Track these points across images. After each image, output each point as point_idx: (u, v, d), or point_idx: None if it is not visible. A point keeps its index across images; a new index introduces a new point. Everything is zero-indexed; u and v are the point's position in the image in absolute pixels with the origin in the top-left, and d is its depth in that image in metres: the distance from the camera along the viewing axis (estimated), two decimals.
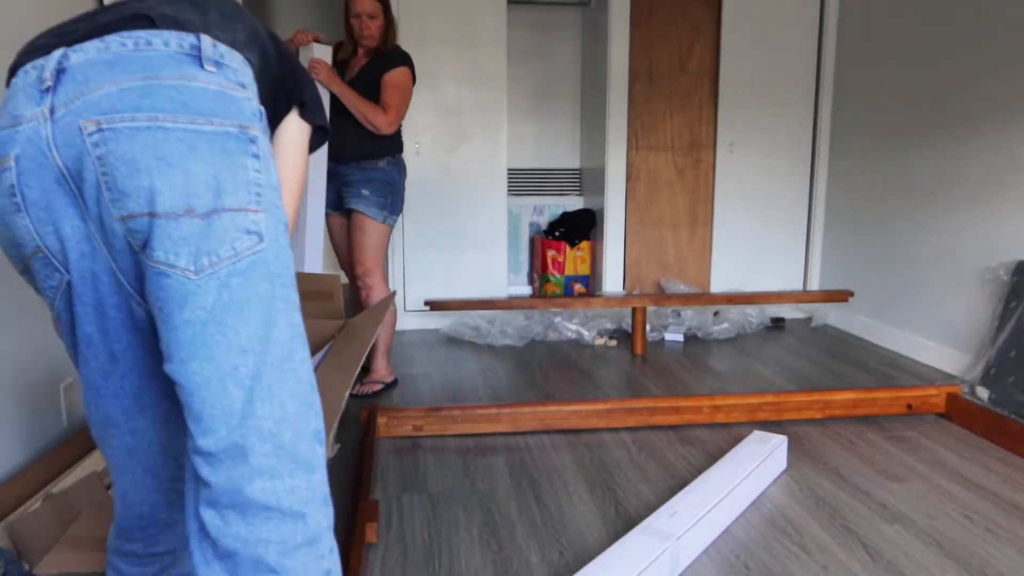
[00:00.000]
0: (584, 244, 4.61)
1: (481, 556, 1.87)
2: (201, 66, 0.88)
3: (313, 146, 1.18)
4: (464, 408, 2.65)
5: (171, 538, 1.11)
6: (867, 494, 2.20)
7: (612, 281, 4.41)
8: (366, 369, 3.19)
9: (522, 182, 4.84)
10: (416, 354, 3.71)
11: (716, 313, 4.13)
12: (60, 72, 0.85)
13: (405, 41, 3.95)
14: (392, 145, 3.04)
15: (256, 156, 0.90)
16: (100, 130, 0.83)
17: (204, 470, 0.89)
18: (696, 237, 4.46)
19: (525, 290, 4.94)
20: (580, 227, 4.63)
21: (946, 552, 1.89)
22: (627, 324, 4.06)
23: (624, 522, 2.03)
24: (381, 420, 2.59)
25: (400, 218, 4.05)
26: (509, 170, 4.40)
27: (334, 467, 2.39)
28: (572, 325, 3.96)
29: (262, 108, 0.95)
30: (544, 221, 4.91)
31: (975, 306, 3.23)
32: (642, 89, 4.30)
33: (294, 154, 1.11)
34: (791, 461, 2.42)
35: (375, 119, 2.91)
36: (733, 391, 3.13)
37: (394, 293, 2.72)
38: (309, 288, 2.81)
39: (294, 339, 0.92)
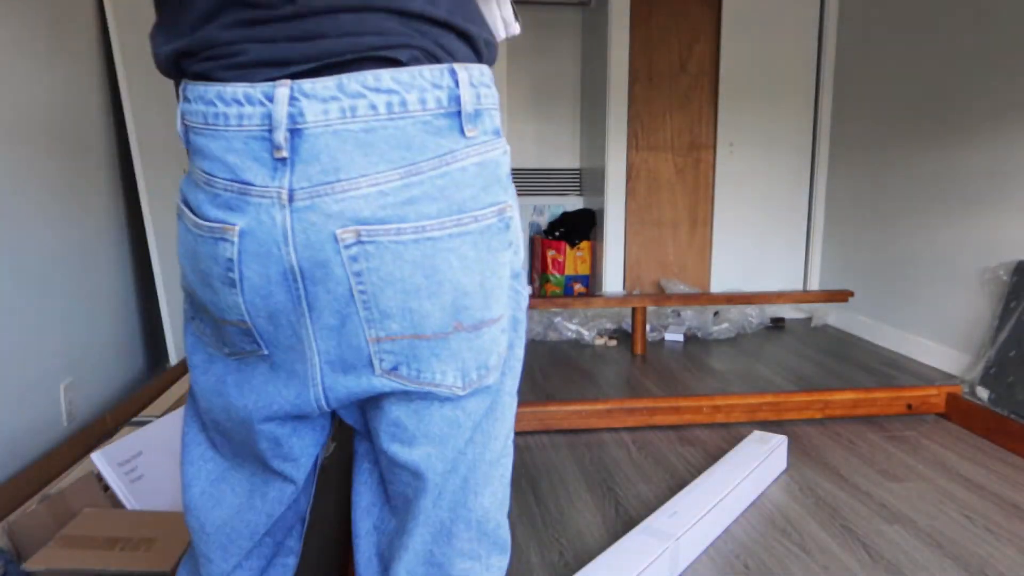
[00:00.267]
0: (584, 244, 4.61)
1: None
2: (462, 132, 0.73)
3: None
4: None
5: None
6: (867, 494, 2.20)
7: (612, 281, 4.41)
8: None
9: (522, 182, 4.84)
10: None
11: (716, 313, 4.13)
12: (295, 135, 0.69)
13: None
14: None
15: (510, 244, 0.79)
16: (360, 242, 0.70)
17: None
18: (696, 237, 4.46)
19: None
20: (580, 227, 4.63)
21: (946, 552, 1.89)
22: (627, 324, 4.06)
23: (624, 522, 2.03)
24: None
25: None
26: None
27: (334, 467, 2.39)
28: (572, 325, 3.96)
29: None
30: (544, 221, 4.91)
31: (975, 306, 3.23)
32: (642, 89, 4.30)
33: None
34: (791, 461, 2.42)
35: None
36: (733, 391, 3.13)
37: None
38: None
39: (509, 433, 0.88)
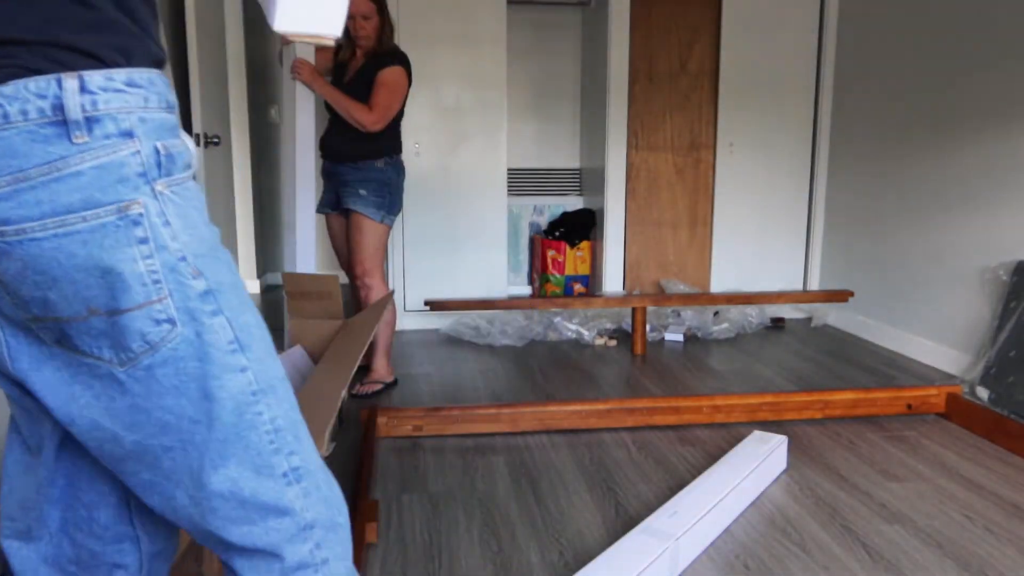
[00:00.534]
0: (584, 244, 4.61)
1: (481, 556, 1.87)
2: (70, 138, 0.77)
3: None
4: (464, 408, 2.65)
5: None
6: (867, 494, 2.20)
7: (612, 281, 4.41)
8: (367, 369, 3.19)
9: (522, 182, 4.84)
10: (416, 354, 3.71)
11: (716, 313, 4.13)
12: None
13: (405, 41, 3.96)
14: (389, 145, 3.03)
15: (143, 240, 0.82)
16: None
17: (190, 528, 0.94)
18: (696, 237, 4.46)
19: (525, 290, 4.94)
20: (580, 227, 4.63)
21: (946, 552, 1.89)
22: (627, 324, 4.06)
23: (624, 522, 2.03)
24: (381, 420, 2.59)
25: (400, 218, 4.05)
26: (509, 170, 4.40)
27: (334, 466, 2.39)
28: (572, 325, 3.96)
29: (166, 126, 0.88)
30: (544, 221, 4.91)
31: (975, 306, 3.23)
32: (642, 89, 4.30)
33: None
34: (791, 461, 2.42)
35: (360, 116, 2.90)
36: (733, 391, 3.13)
37: (392, 292, 2.72)
38: (309, 288, 2.82)
39: (242, 403, 0.92)
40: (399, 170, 3.09)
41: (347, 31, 3.00)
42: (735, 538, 1.95)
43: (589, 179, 4.71)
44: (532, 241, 4.90)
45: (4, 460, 1.03)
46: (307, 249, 3.19)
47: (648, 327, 3.91)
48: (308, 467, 0.98)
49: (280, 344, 3.84)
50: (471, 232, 4.17)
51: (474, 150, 4.13)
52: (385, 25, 3.01)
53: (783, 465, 2.36)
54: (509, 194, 4.48)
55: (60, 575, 1.05)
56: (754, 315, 4.14)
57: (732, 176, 4.39)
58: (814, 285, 4.47)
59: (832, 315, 4.26)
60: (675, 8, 4.25)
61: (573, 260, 4.61)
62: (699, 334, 4.02)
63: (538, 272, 4.78)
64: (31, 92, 0.76)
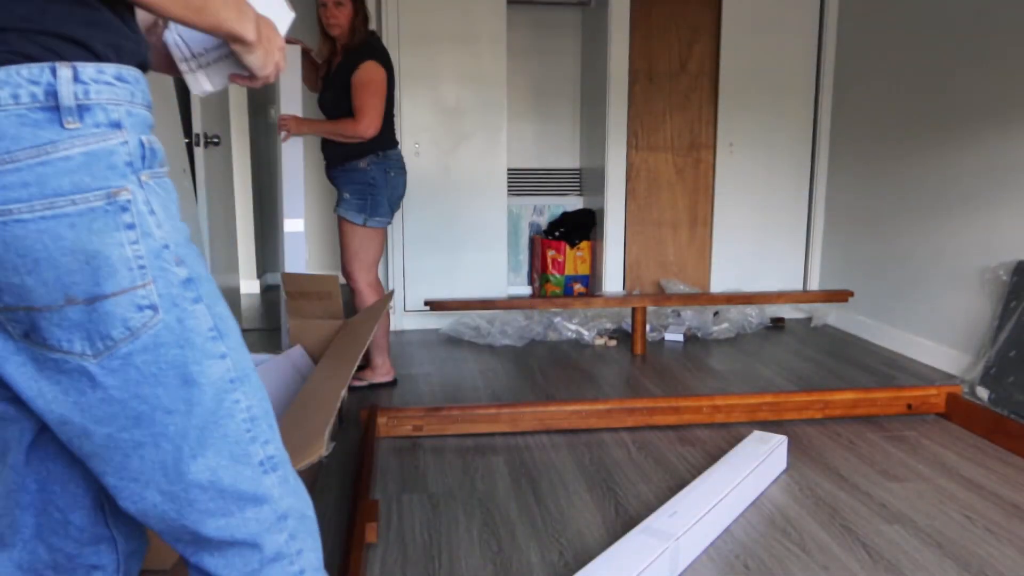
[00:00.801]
0: (584, 244, 4.61)
1: (481, 556, 1.87)
2: (62, 124, 0.79)
3: None
4: (464, 408, 2.65)
5: None
6: (867, 494, 2.20)
7: (612, 281, 4.41)
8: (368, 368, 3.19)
9: (522, 182, 4.83)
10: (416, 354, 3.71)
11: (716, 313, 4.13)
12: None
13: (405, 41, 3.96)
14: (375, 143, 2.92)
15: (131, 227, 0.84)
16: None
17: (158, 525, 0.95)
18: (696, 237, 4.46)
19: (525, 290, 4.93)
20: (580, 227, 4.63)
21: (946, 552, 1.89)
22: (627, 324, 4.06)
23: (624, 522, 2.03)
24: (381, 420, 2.59)
25: (400, 218, 4.06)
26: (509, 170, 4.40)
27: (334, 466, 2.39)
28: (572, 325, 3.96)
29: (145, 129, 0.89)
30: (544, 221, 4.91)
31: (975, 306, 3.23)
32: (642, 89, 4.29)
33: None
34: (791, 461, 2.42)
35: (350, 131, 2.84)
36: (733, 391, 3.13)
37: (392, 292, 2.72)
38: (309, 289, 2.82)
39: (221, 390, 0.93)
40: (386, 168, 2.97)
41: (320, 21, 2.94)
42: (735, 538, 1.95)
43: (589, 179, 4.71)
44: (532, 241, 4.90)
45: None
46: (296, 250, 3.17)
47: (648, 327, 3.91)
48: (282, 456, 0.99)
49: (280, 344, 3.86)
50: (471, 232, 4.17)
51: (474, 150, 4.13)
52: (358, 15, 2.89)
53: (783, 465, 2.36)
54: (509, 194, 4.48)
55: None
56: (754, 315, 4.14)
57: (732, 176, 4.39)
58: (814, 285, 4.47)
59: (832, 315, 4.26)
60: (675, 8, 4.25)
61: (573, 260, 4.61)
62: (699, 334, 4.02)
63: (538, 272, 4.78)
64: (23, 77, 0.77)
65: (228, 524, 0.94)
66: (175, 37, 1.03)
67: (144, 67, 0.93)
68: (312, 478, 2.25)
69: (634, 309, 3.71)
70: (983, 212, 3.19)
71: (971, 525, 2.03)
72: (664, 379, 3.30)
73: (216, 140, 3.61)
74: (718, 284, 4.46)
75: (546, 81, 4.81)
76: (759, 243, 4.45)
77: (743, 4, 4.22)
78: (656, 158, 4.36)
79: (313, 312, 2.81)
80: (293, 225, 3.14)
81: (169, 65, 1.07)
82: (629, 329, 4.00)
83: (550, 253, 4.63)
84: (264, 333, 4.20)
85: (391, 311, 4.15)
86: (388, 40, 3.92)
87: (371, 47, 2.89)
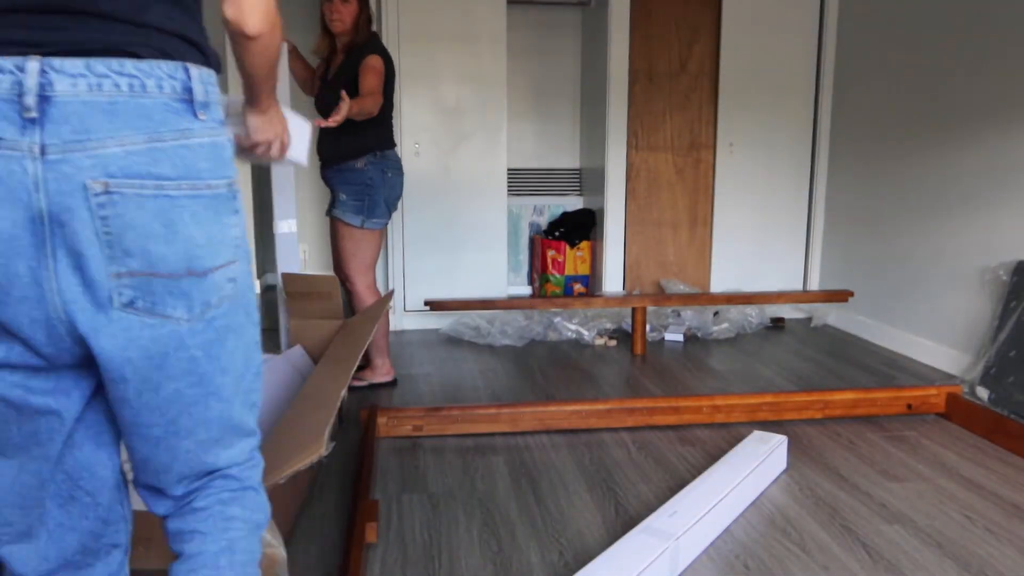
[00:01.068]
0: (584, 244, 4.61)
1: (481, 556, 1.87)
2: (195, 115, 0.92)
3: None
4: (464, 408, 2.65)
5: None
6: (867, 494, 2.20)
7: (612, 281, 4.41)
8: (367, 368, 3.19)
9: (522, 182, 4.83)
10: (416, 354, 3.71)
11: (716, 313, 4.13)
12: (44, 101, 0.82)
13: (405, 40, 3.96)
14: (373, 142, 2.90)
15: (236, 211, 0.98)
16: (108, 192, 0.85)
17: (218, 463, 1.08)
18: (696, 237, 4.45)
19: (525, 290, 4.93)
20: (580, 227, 4.63)
21: (946, 552, 1.89)
22: (627, 324, 4.06)
23: (624, 522, 2.03)
24: (381, 420, 2.59)
25: (400, 218, 4.06)
26: (509, 170, 4.39)
27: (333, 466, 2.39)
28: (572, 325, 3.96)
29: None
30: (544, 221, 4.91)
31: (975, 306, 3.23)
32: (642, 89, 4.29)
33: None
34: (791, 461, 2.42)
35: (371, 106, 2.74)
36: (733, 391, 3.13)
37: (391, 292, 2.72)
38: (309, 289, 2.82)
39: (255, 351, 1.08)
40: (384, 168, 2.94)
41: (323, 19, 2.90)
42: (735, 538, 1.95)
43: (589, 179, 4.71)
44: (532, 241, 4.90)
45: None
46: (289, 252, 3.14)
47: (648, 327, 3.91)
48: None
49: (279, 344, 3.86)
50: (471, 232, 4.17)
51: (474, 150, 4.13)
52: (362, 13, 2.86)
53: (783, 465, 2.36)
54: (509, 194, 4.48)
55: (65, 566, 1.08)
56: (754, 315, 4.14)
57: (732, 176, 4.39)
58: (814, 285, 4.47)
59: (832, 315, 4.26)
60: (675, 8, 4.25)
61: (573, 260, 4.61)
62: (699, 334, 4.02)
63: (538, 272, 4.78)
64: (163, 71, 0.89)
65: (231, 454, 1.08)
66: None
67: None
68: (312, 478, 2.25)
69: (634, 309, 3.71)
70: (983, 212, 3.19)
71: (971, 525, 2.03)
72: (664, 379, 3.30)
73: None
74: (718, 284, 4.46)
75: (546, 81, 4.81)
76: (759, 243, 4.45)
77: (743, 4, 4.22)
78: (656, 158, 4.36)
79: (313, 312, 2.81)
80: (285, 226, 3.12)
81: None
82: (629, 329, 4.00)
83: (550, 253, 4.63)
84: (264, 333, 4.20)
85: (391, 311, 4.15)
86: (388, 40, 3.92)
87: (374, 46, 2.88)
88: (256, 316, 1.07)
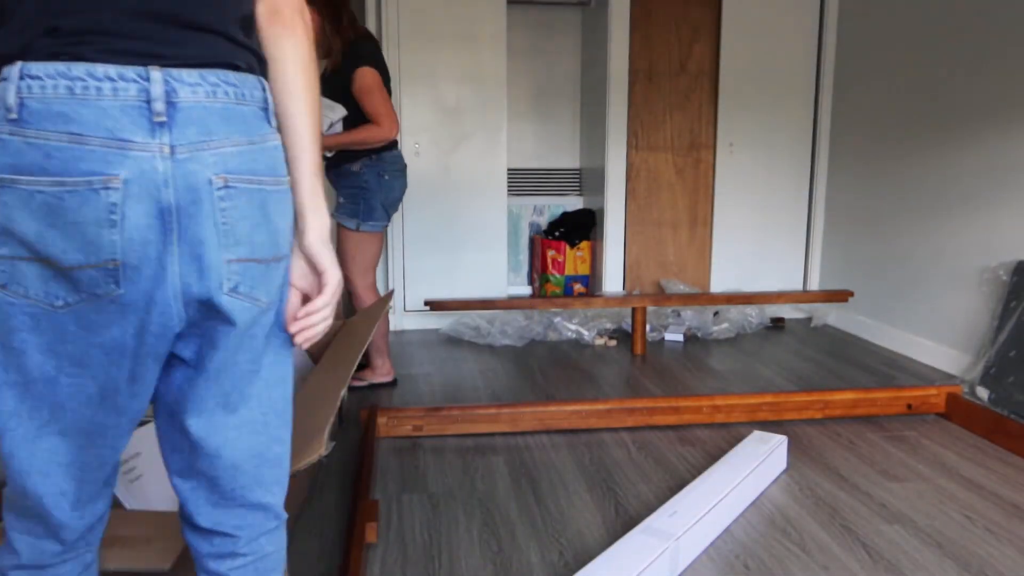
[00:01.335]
0: (584, 244, 4.61)
1: (481, 556, 1.87)
2: (270, 122, 1.04)
3: None
4: (464, 408, 2.65)
5: None
6: (867, 494, 2.20)
7: (612, 281, 4.41)
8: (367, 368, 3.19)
9: (522, 182, 4.84)
10: (416, 354, 3.71)
11: (716, 313, 4.13)
12: (171, 107, 0.93)
13: (405, 40, 3.96)
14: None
15: (289, 205, 1.08)
16: (227, 187, 0.97)
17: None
18: (696, 237, 4.46)
19: (525, 290, 4.93)
20: (580, 227, 4.63)
21: (946, 552, 1.89)
22: (627, 324, 4.06)
23: (624, 522, 2.03)
24: (381, 420, 2.59)
25: (400, 218, 4.06)
26: (509, 170, 4.40)
27: (333, 466, 2.39)
28: (572, 325, 3.96)
29: None
30: (544, 221, 4.91)
31: (975, 306, 3.23)
32: (642, 89, 4.30)
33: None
34: (791, 461, 2.42)
35: (378, 136, 2.78)
36: (733, 391, 3.13)
37: (391, 292, 2.72)
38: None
39: (289, 373, 1.15)
40: (380, 171, 2.90)
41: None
42: (735, 538, 1.95)
43: (589, 179, 4.71)
44: (532, 241, 4.90)
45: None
46: None
47: (648, 327, 3.91)
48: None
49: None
50: (471, 232, 4.17)
51: (474, 150, 4.13)
52: (325, 22, 2.78)
53: (783, 465, 2.36)
54: (509, 194, 4.48)
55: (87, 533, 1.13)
56: (754, 315, 4.14)
57: (732, 176, 4.39)
58: (814, 285, 4.47)
59: (832, 315, 4.26)
60: (675, 8, 4.25)
61: (573, 260, 4.61)
62: (699, 334, 4.02)
63: (538, 272, 4.78)
64: (252, 83, 1.02)
65: (268, 491, 1.12)
66: None
67: None
68: (312, 478, 2.26)
69: (634, 309, 3.71)
70: (983, 212, 3.19)
71: (971, 525, 2.03)
72: (664, 379, 3.30)
73: None
74: (718, 284, 4.46)
75: (546, 81, 4.81)
76: (759, 243, 4.45)
77: (743, 4, 4.22)
78: (656, 158, 4.36)
79: None
80: None
81: None
82: (629, 329, 4.00)
83: (550, 253, 4.63)
84: None
85: (391, 311, 4.15)
86: (388, 40, 3.92)
87: (355, 55, 2.82)
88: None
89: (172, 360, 1.08)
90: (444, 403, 2.98)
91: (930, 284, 3.50)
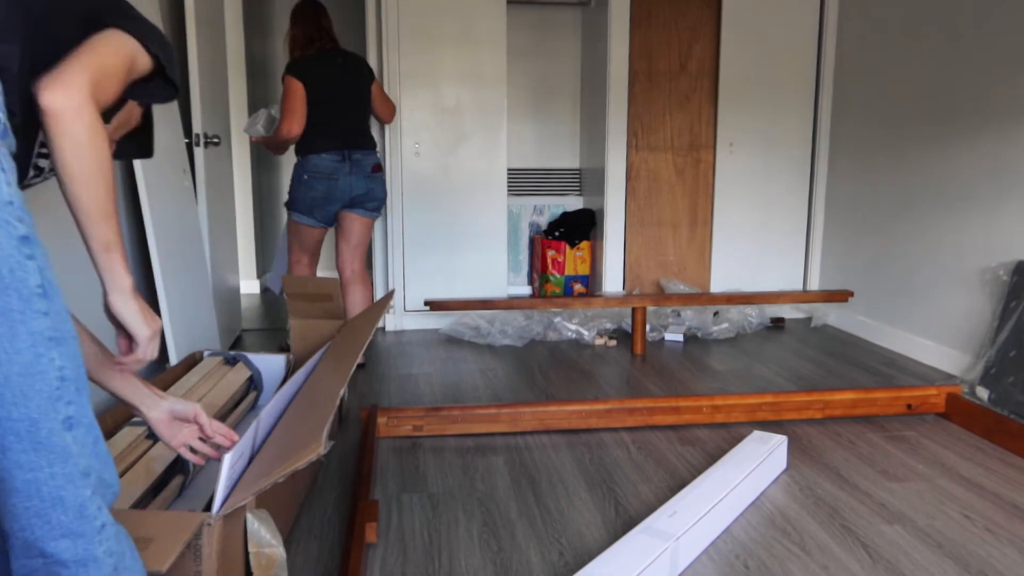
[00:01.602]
0: (584, 244, 4.61)
1: (481, 556, 1.87)
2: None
3: (155, 95, 1.37)
4: (464, 408, 2.65)
5: None
6: (867, 494, 2.20)
7: (612, 281, 4.41)
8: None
9: (522, 182, 4.84)
10: (416, 354, 3.71)
11: (716, 313, 4.13)
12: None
13: (405, 41, 3.96)
14: (297, 147, 3.30)
15: None
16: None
17: None
18: (696, 237, 4.46)
19: (525, 290, 4.93)
20: (580, 227, 4.63)
21: (946, 552, 1.89)
22: (627, 324, 4.06)
23: (624, 522, 2.03)
24: (381, 420, 2.59)
25: (400, 218, 4.07)
26: (509, 170, 4.39)
27: (333, 466, 2.39)
28: (572, 325, 3.96)
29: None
30: (544, 221, 4.91)
31: (975, 306, 3.23)
32: (642, 89, 4.30)
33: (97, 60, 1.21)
34: (791, 461, 2.42)
35: (281, 133, 3.22)
36: (733, 391, 3.13)
37: (392, 292, 2.72)
38: (310, 291, 2.83)
39: (39, 344, 1.01)
40: (302, 172, 3.28)
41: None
42: (735, 538, 1.95)
43: (589, 179, 4.71)
44: (532, 241, 4.90)
45: None
46: (281, 261, 3.59)
47: (648, 327, 3.91)
48: (83, 420, 1.06)
49: (282, 344, 3.84)
50: (471, 232, 4.17)
51: (474, 150, 4.13)
52: (291, 36, 3.35)
53: (783, 465, 2.36)
54: (509, 194, 4.48)
55: None
56: (754, 315, 4.14)
57: (732, 176, 4.39)
58: (814, 285, 4.47)
59: (832, 315, 4.26)
60: (675, 8, 4.25)
61: (573, 260, 4.61)
62: (699, 334, 4.02)
63: (538, 272, 4.78)
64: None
65: (35, 477, 1.01)
66: None
67: None
68: (312, 478, 2.26)
69: (634, 309, 3.71)
70: (983, 212, 3.19)
71: (971, 525, 2.03)
72: (664, 379, 3.30)
73: (216, 140, 3.60)
74: (718, 284, 4.46)
75: (546, 81, 4.81)
76: (759, 243, 4.45)
77: (743, 4, 4.22)
78: (656, 158, 4.36)
79: (314, 313, 2.81)
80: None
81: None
82: (629, 329, 4.00)
83: (550, 253, 4.63)
84: (264, 333, 4.19)
85: (391, 311, 4.15)
86: (388, 40, 3.93)
87: (288, 65, 3.25)
88: (42, 304, 1.02)
89: None
90: (444, 403, 2.98)
91: (930, 284, 3.50)
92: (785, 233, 4.46)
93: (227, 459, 1.50)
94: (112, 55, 1.19)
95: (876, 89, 3.88)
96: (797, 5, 4.24)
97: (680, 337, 3.98)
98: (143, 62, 1.27)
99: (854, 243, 4.10)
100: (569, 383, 3.25)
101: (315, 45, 3.27)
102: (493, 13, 4.02)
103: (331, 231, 3.56)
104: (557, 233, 4.64)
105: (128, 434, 1.96)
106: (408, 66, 3.97)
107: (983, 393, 2.93)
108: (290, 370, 2.69)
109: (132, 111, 1.41)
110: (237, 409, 2.44)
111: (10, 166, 1.02)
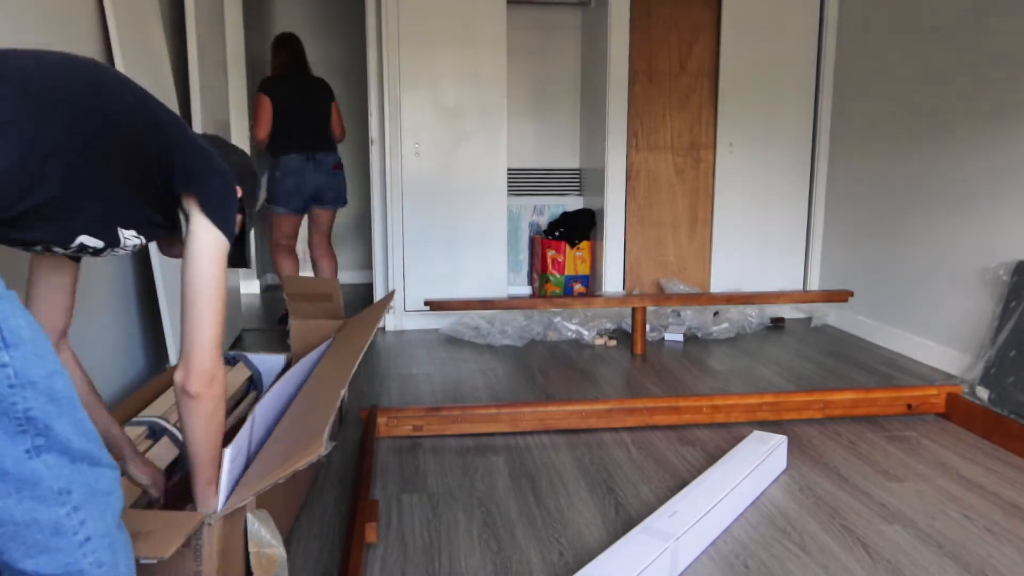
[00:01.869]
0: (584, 244, 4.61)
1: (481, 556, 1.87)
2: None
3: (232, 260, 1.59)
4: (464, 408, 2.65)
5: None
6: (867, 494, 2.20)
7: (612, 281, 4.41)
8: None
9: (522, 182, 4.84)
10: (416, 354, 3.71)
11: (716, 313, 4.13)
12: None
13: (405, 41, 3.96)
14: (269, 147, 3.90)
15: None
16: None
17: None
18: (696, 237, 4.46)
19: (525, 290, 4.93)
20: (580, 227, 4.63)
21: (946, 552, 1.89)
22: (627, 324, 4.06)
23: (624, 522, 2.03)
24: (381, 420, 2.59)
25: (400, 218, 4.07)
26: (509, 170, 4.39)
27: (333, 466, 2.39)
28: (572, 325, 3.96)
29: None
30: (544, 221, 4.91)
31: (975, 306, 3.23)
32: (642, 89, 4.30)
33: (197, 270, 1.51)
34: (791, 461, 2.42)
35: (254, 137, 3.94)
36: (733, 391, 3.13)
37: (392, 292, 2.72)
38: (310, 291, 2.83)
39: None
40: (275, 168, 3.90)
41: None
42: (735, 538, 1.95)
43: (589, 179, 4.71)
44: (532, 241, 4.90)
45: None
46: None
47: (648, 327, 3.91)
48: (52, 447, 1.04)
49: (280, 344, 3.85)
50: (471, 232, 4.17)
51: (474, 150, 4.13)
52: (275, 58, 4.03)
53: (783, 465, 2.36)
54: (509, 194, 4.48)
55: None
56: (754, 315, 4.14)
57: (732, 176, 4.39)
58: (814, 285, 4.47)
59: (832, 315, 4.26)
60: (675, 8, 4.25)
61: (573, 260, 4.61)
62: (699, 334, 4.02)
63: (538, 272, 4.78)
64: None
65: (5, 504, 1.00)
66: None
67: None
68: (312, 478, 2.26)
69: (634, 309, 3.71)
70: (983, 212, 3.19)
71: (971, 525, 2.03)
72: (664, 379, 3.30)
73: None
74: (718, 284, 4.46)
75: (546, 81, 4.81)
76: (759, 243, 4.45)
77: (743, 4, 4.22)
78: (656, 158, 4.36)
79: (314, 313, 2.81)
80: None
81: None
82: (629, 329, 4.00)
83: (550, 253, 4.63)
84: (264, 333, 4.19)
85: (391, 311, 4.15)
86: (388, 40, 3.93)
87: (260, 83, 3.91)
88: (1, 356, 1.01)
89: None
90: (444, 403, 2.98)
91: (930, 284, 3.51)
92: (785, 233, 4.46)
93: (227, 454, 1.50)
94: (216, 286, 1.47)
95: (876, 89, 3.88)
96: (797, 5, 4.24)
97: (680, 337, 3.98)
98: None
99: (854, 243, 4.10)
100: (569, 383, 3.25)
101: (286, 69, 3.96)
102: (493, 13, 4.02)
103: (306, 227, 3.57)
104: (557, 233, 4.64)
105: (128, 434, 1.96)
106: (408, 66, 3.97)
107: (983, 393, 2.93)
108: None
109: None
110: (237, 409, 2.44)
111: None
